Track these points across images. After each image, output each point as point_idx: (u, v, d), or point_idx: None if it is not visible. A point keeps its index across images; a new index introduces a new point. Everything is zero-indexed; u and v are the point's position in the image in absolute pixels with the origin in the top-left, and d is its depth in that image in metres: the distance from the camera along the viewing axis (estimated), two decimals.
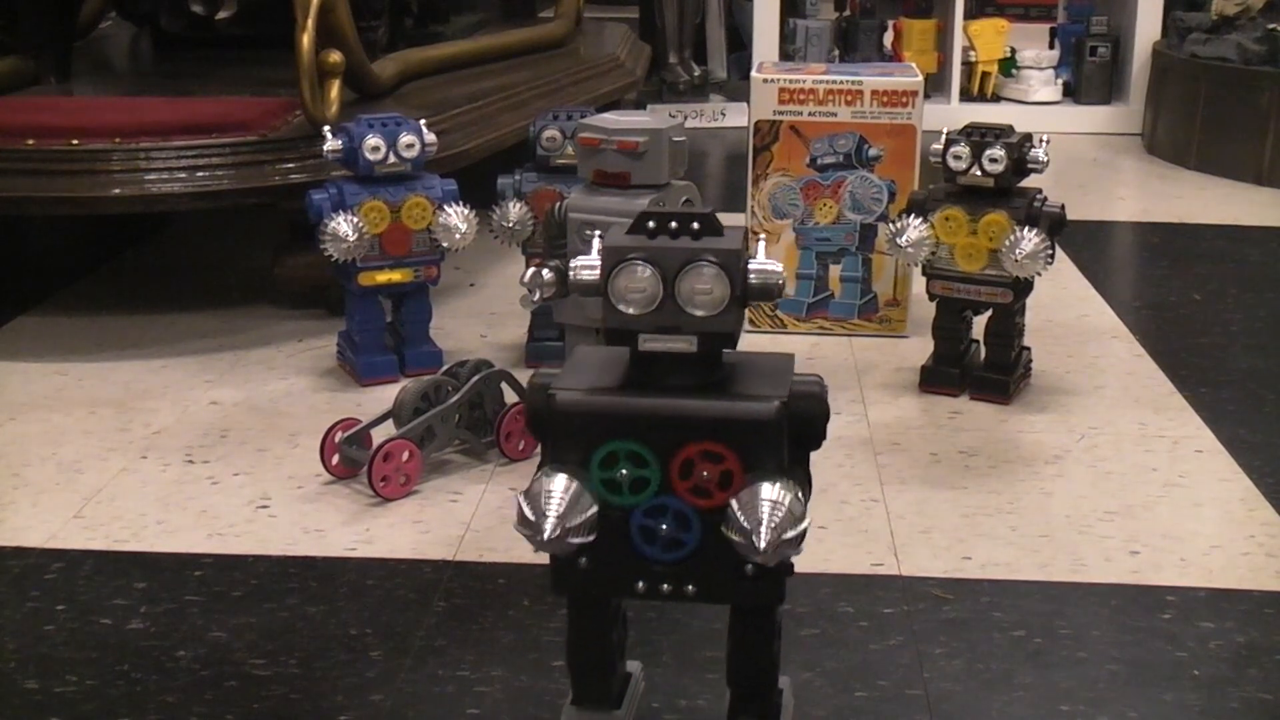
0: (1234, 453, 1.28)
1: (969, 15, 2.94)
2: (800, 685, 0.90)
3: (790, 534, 0.64)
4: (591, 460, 0.67)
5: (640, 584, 0.69)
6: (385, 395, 1.30)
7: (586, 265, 0.67)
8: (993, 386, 1.40)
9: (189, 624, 0.99)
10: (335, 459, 1.21)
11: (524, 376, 1.29)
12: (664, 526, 0.67)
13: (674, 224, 0.66)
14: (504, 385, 1.26)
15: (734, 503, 0.65)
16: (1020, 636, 0.97)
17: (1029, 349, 1.44)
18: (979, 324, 1.41)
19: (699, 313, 0.66)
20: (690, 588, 0.68)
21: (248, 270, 1.83)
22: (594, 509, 0.66)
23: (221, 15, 1.90)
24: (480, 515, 1.15)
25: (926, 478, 1.23)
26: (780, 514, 0.64)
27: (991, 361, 1.40)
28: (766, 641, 0.72)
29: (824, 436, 0.69)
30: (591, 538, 0.67)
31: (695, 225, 0.65)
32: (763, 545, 0.64)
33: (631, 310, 0.66)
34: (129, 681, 0.91)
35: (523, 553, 1.09)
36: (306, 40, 1.52)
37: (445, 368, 1.26)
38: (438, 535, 1.12)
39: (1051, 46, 3.01)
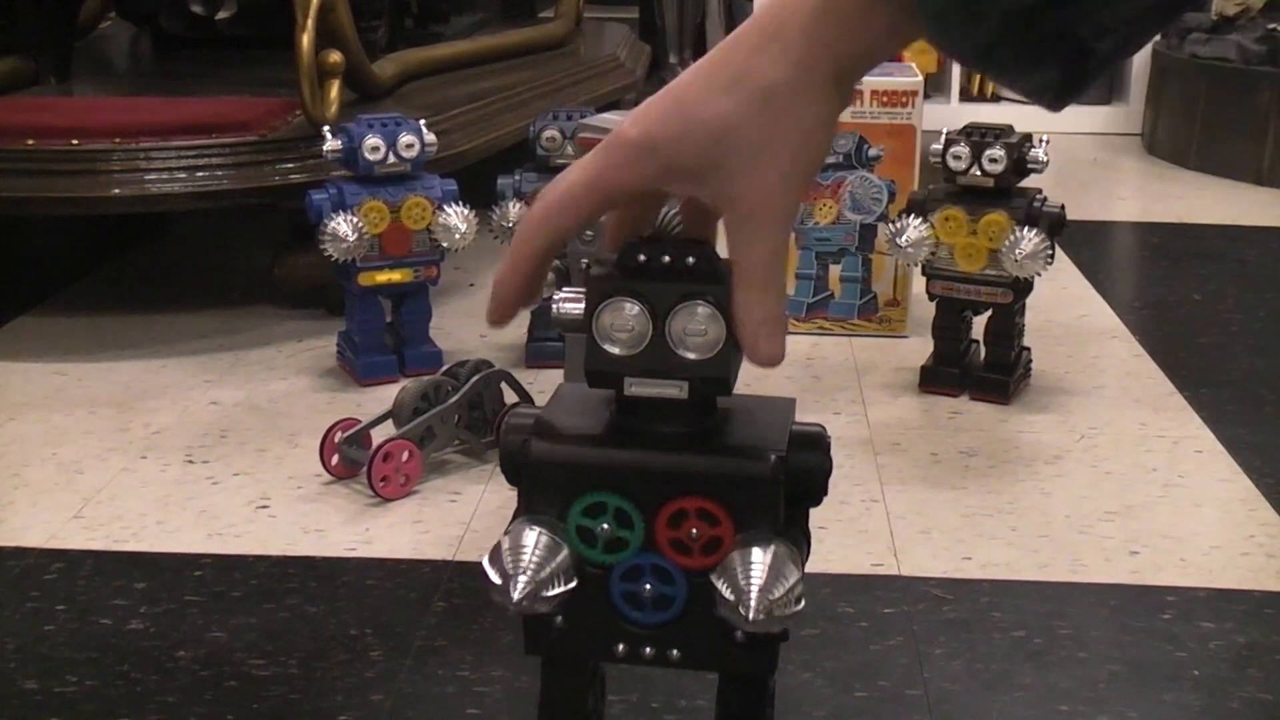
0: (1234, 453, 1.28)
1: None
2: (800, 685, 0.91)
3: (787, 609, 0.58)
4: (569, 514, 0.61)
5: (620, 647, 0.63)
6: (385, 395, 1.30)
7: (570, 299, 0.61)
8: (993, 386, 1.40)
9: (189, 624, 0.99)
10: (335, 459, 1.21)
11: (524, 376, 1.29)
12: (647, 586, 0.61)
13: (667, 257, 0.59)
14: (504, 385, 1.26)
15: (723, 565, 0.59)
16: (1020, 636, 0.97)
17: (1029, 349, 1.44)
18: (979, 324, 1.41)
19: (691, 355, 0.59)
20: (674, 652, 0.62)
21: (248, 270, 1.83)
22: (571, 567, 0.61)
23: (221, 15, 1.90)
24: (480, 515, 1.15)
25: (926, 478, 1.23)
26: (773, 580, 0.58)
27: (991, 361, 1.40)
28: (757, 711, 0.67)
29: (825, 492, 0.62)
30: (567, 597, 0.61)
31: (690, 259, 0.59)
32: (751, 615, 0.58)
33: (618, 350, 0.60)
34: (129, 681, 0.91)
35: None
36: (306, 40, 1.52)
37: (445, 368, 1.26)
38: (437, 535, 1.12)
39: None
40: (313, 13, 1.52)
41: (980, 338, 1.42)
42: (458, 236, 1.41)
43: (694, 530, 0.61)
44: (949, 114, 2.70)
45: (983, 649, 0.96)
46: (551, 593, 0.61)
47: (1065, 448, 1.29)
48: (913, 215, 1.38)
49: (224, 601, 1.02)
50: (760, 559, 0.58)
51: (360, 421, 1.21)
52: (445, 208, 1.41)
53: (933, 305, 1.41)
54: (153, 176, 1.51)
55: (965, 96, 2.94)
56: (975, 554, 1.09)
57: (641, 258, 0.59)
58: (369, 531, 1.12)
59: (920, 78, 1.56)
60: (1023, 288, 1.37)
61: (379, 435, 1.20)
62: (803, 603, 0.59)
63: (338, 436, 1.20)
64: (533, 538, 0.61)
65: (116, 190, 1.50)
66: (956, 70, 2.91)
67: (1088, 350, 1.56)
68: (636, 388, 0.60)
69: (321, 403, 1.39)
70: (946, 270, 1.38)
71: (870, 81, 1.53)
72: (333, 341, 1.51)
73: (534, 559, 0.60)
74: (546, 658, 0.67)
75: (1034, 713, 0.89)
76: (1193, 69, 2.58)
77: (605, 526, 0.61)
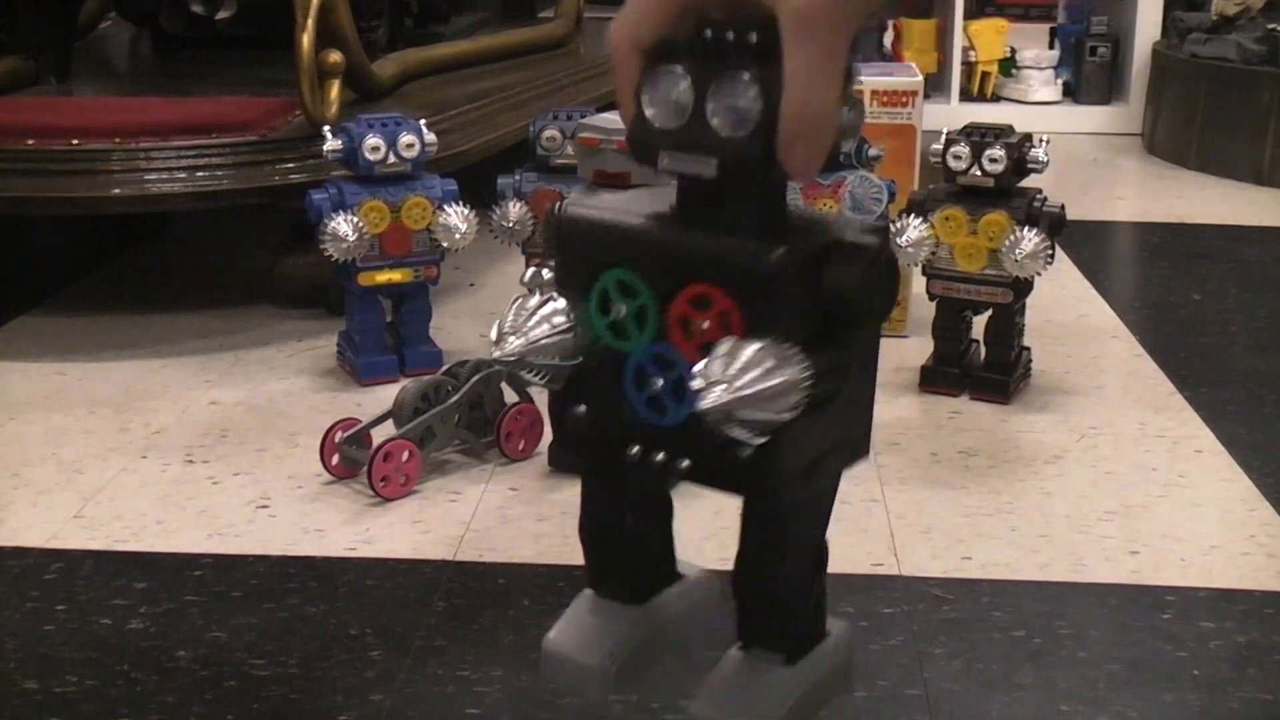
0: (1234, 453, 1.28)
1: (969, 15, 2.94)
2: None
3: (754, 407, 0.52)
4: (591, 289, 0.59)
5: (634, 450, 0.59)
6: (385, 395, 1.30)
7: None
8: (993, 386, 1.40)
9: (189, 624, 0.99)
10: (335, 459, 1.21)
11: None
12: (659, 383, 0.58)
13: (731, 34, 0.55)
14: (504, 385, 1.26)
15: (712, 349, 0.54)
16: (1020, 636, 0.97)
17: (1029, 349, 1.44)
18: (979, 324, 1.41)
19: (724, 131, 0.55)
20: (684, 463, 0.58)
21: (248, 270, 1.83)
22: (578, 345, 0.59)
23: (221, 15, 1.90)
24: (480, 515, 1.15)
25: (926, 478, 1.23)
26: (737, 362, 0.52)
27: (991, 361, 1.40)
28: (775, 545, 0.60)
29: (863, 308, 0.55)
30: (561, 372, 0.59)
31: (753, 35, 0.54)
32: (696, 385, 0.52)
33: (658, 123, 0.57)
34: (129, 681, 0.91)
35: (523, 553, 1.09)
36: (306, 40, 1.52)
37: (445, 368, 1.26)
38: (437, 535, 1.12)
39: (1051, 46, 3.01)
40: (313, 13, 1.52)
41: (980, 338, 1.42)
42: (458, 236, 1.41)
43: (705, 322, 0.56)
44: (949, 114, 2.70)
45: (983, 649, 0.96)
46: (541, 360, 0.59)
47: (1065, 448, 1.29)
48: (913, 215, 1.38)
49: (224, 601, 1.02)
50: (731, 345, 0.53)
51: (360, 421, 1.21)
52: (445, 208, 1.41)
53: (933, 305, 1.41)
54: (153, 176, 1.51)
55: (965, 96, 2.94)
56: (975, 554, 1.09)
57: (708, 33, 0.56)
58: (369, 531, 1.12)
59: (920, 78, 1.56)
60: (1023, 288, 1.37)
61: (379, 435, 1.20)
62: (793, 415, 0.53)
63: (338, 436, 1.20)
64: (537, 303, 0.60)
65: (116, 190, 1.50)
66: (956, 70, 2.91)
67: (1088, 350, 1.56)
68: (669, 162, 0.57)
69: (321, 403, 1.39)
70: (946, 270, 1.38)
71: (870, 81, 1.53)
72: (333, 341, 1.51)
73: (530, 322, 0.59)
74: (575, 449, 0.63)
75: (1034, 713, 0.89)
76: (1193, 69, 2.58)
77: (623, 309, 0.58)
